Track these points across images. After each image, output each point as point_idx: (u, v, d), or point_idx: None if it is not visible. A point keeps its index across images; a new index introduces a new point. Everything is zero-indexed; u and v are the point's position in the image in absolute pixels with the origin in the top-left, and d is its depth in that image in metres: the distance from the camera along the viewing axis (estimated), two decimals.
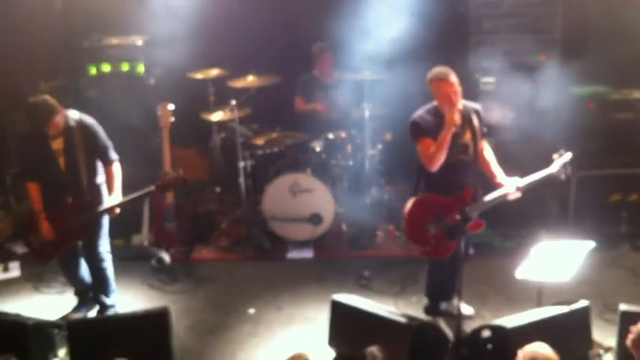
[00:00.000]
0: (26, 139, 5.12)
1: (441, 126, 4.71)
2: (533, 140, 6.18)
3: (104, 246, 5.27)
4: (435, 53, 6.22)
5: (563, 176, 4.92)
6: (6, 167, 6.74)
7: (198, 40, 6.79)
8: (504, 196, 4.85)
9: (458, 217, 4.51)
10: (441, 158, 4.71)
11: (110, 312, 5.36)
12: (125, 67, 6.76)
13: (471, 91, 5.88)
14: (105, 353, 4.50)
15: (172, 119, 6.08)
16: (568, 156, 4.91)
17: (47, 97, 4.94)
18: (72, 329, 4.63)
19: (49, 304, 5.64)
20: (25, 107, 4.95)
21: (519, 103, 6.44)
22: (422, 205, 4.86)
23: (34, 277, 6.01)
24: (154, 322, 4.63)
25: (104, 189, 5.20)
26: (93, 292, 5.42)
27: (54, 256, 5.24)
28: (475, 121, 4.87)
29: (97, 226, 5.18)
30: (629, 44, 6.26)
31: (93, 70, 6.77)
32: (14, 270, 6.21)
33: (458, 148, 4.80)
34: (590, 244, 4.73)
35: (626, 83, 6.41)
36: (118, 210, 5.10)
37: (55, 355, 4.80)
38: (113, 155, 5.17)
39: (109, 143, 5.15)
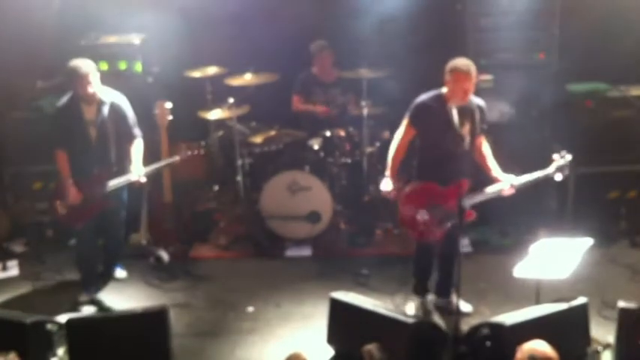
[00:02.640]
0: (63, 109, 5.33)
1: (442, 115, 4.76)
2: (531, 138, 6.18)
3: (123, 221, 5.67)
4: (433, 51, 6.21)
5: (559, 177, 4.92)
6: (3, 166, 6.73)
7: (196, 38, 6.79)
8: (499, 191, 4.88)
9: (454, 207, 4.54)
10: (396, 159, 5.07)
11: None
12: (122, 65, 6.72)
13: None
14: (104, 352, 4.53)
15: (170, 117, 6.05)
16: (568, 158, 4.88)
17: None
18: (70, 328, 4.62)
19: (48, 302, 5.62)
20: (66, 69, 5.20)
21: (517, 101, 6.43)
22: (419, 193, 4.93)
23: (33, 276, 6.01)
24: (153, 320, 4.62)
25: (127, 164, 5.46)
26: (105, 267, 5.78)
27: (80, 222, 5.41)
28: (477, 115, 4.83)
29: (121, 197, 5.49)
30: (628, 41, 6.26)
31: None
32: (13, 269, 6.20)
33: (453, 138, 4.83)
34: (589, 241, 4.74)
35: (624, 80, 6.40)
36: (144, 180, 5.35)
37: (54, 354, 4.78)
38: (137, 132, 5.51)
39: (135, 120, 5.49)
